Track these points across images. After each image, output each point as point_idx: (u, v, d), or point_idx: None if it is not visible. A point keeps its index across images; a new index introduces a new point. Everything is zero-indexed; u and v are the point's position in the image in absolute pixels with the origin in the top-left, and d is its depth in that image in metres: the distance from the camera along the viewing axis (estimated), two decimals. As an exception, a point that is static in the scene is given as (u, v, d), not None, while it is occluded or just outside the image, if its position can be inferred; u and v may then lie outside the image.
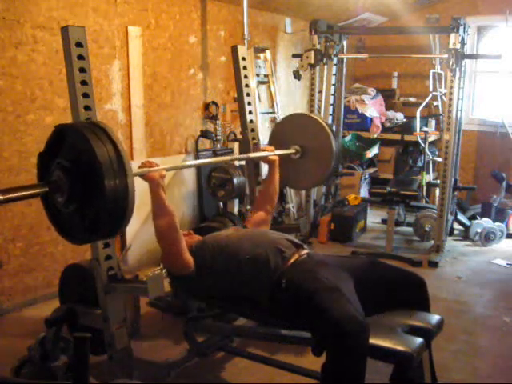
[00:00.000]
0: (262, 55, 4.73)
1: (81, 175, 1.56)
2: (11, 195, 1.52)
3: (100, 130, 1.58)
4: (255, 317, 2.18)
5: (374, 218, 5.14)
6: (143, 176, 1.95)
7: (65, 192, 1.57)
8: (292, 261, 2.04)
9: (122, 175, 1.55)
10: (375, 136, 5.51)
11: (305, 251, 2.14)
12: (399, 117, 5.71)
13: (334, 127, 2.82)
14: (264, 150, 2.61)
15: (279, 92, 4.97)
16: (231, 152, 4.18)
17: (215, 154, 4.07)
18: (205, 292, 2.14)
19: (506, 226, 4.61)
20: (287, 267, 2.01)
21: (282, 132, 2.94)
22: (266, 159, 2.59)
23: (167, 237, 2.00)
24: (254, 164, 3.04)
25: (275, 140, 2.91)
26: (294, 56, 4.46)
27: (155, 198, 1.98)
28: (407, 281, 2.11)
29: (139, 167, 1.98)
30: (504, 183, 4.75)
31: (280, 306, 1.94)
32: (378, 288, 2.04)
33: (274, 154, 2.58)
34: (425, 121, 5.33)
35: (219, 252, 2.09)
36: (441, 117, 5.21)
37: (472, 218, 4.75)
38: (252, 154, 2.67)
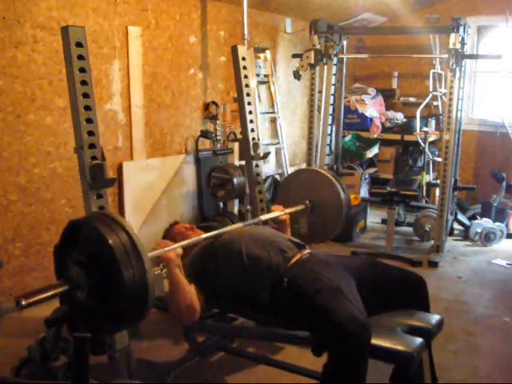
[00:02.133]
0: (262, 55, 4.73)
1: (98, 268, 1.54)
2: (33, 299, 1.50)
3: (112, 220, 1.58)
4: (255, 316, 2.18)
5: (374, 218, 5.14)
6: (159, 257, 1.95)
7: (85, 287, 1.56)
8: (294, 260, 2.04)
9: (139, 263, 1.53)
10: (375, 136, 5.51)
11: (307, 251, 2.14)
12: (399, 117, 5.71)
13: (342, 182, 2.83)
14: (274, 211, 2.57)
15: (279, 92, 4.97)
16: (231, 152, 4.19)
17: (215, 153, 4.08)
18: (205, 292, 2.14)
19: (506, 225, 4.61)
20: (289, 267, 2.01)
21: (290, 188, 2.94)
22: (276, 219, 2.57)
23: (182, 313, 2.02)
24: (254, 164, 3.04)
25: (283, 197, 2.92)
26: (294, 56, 4.46)
27: (172, 277, 1.98)
28: (407, 280, 2.11)
29: (153, 248, 1.95)
30: (504, 183, 4.75)
31: (281, 305, 1.94)
32: (377, 288, 2.04)
33: (284, 213, 2.56)
34: (425, 121, 5.33)
35: (221, 250, 2.11)
36: (441, 117, 5.21)
37: (472, 218, 4.75)
38: (263, 217, 2.55)
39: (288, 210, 2.60)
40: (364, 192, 5.36)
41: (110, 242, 1.51)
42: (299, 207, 2.73)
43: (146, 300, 1.56)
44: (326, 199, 2.77)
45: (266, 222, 2.52)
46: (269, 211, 2.79)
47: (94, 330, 1.67)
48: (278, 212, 2.55)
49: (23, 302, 1.47)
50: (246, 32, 4.04)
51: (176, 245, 2.00)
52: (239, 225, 2.33)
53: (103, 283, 1.53)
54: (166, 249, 1.94)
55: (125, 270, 1.49)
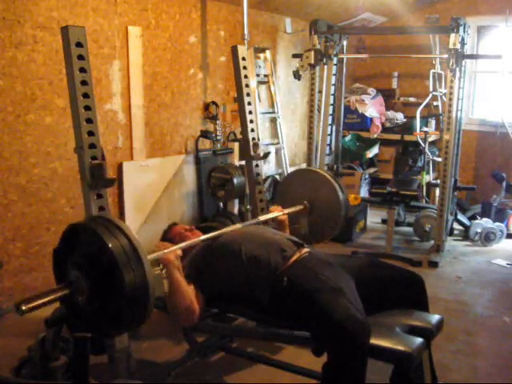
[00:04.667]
0: (262, 55, 4.73)
1: (98, 272, 1.54)
2: (34, 304, 1.49)
3: (111, 224, 1.58)
4: (255, 316, 2.18)
5: (373, 217, 5.14)
6: (159, 260, 1.95)
7: (85, 291, 1.56)
8: (293, 260, 2.04)
9: (139, 266, 1.53)
10: (375, 136, 5.51)
11: (306, 250, 2.14)
12: (399, 117, 5.71)
13: (340, 182, 2.84)
14: (273, 211, 2.57)
15: (279, 92, 4.97)
16: (231, 152, 4.19)
17: (215, 153, 4.08)
18: (205, 292, 2.14)
19: (506, 226, 4.61)
20: (288, 266, 2.01)
21: (289, 188, 2.94)
22: (275, 219, 2.57)
23: (181, 314, 2.01)
24: (254, 164, 3.04)
25: (282, 197, 2.92)
26: (294, 56, 4.46)
27: (171, 279, 1.98)
28: (405, 280, 2.10)
29: (153, 250, 1.95)
30: (504, 183, 4.75)
31: (280, 305, 1.94)
32: (376, 288, 2.04)
33: (283, 213, 2.56)
34: (425, 121, 5.33)
35: (221, 250, 2.10)
36: (441, 117, 5.20)
37: (472, 218, 4.75)
38: (262, 217, 2.55)
39: (287, 211, 2.60)
40: (364, 192, 5.36)
41: (110, 245, 1.50)
42: (298, 208, 2.73)
43: (147, 303, 1.55)
44: (325, 200, 2.77)
45: (265, 223, 2.52)
46: (268, 212, 2.79)
47: (95, 334, 1.66)
48: (276, 212, 2.56)
49: (23, 307, 1.45)
50: (245, 32, 4.04)
51: (175, 246, 2.00)
52: (238, 225, 2.32)
53: (103, 286, 1.53)
54: (165, 251, 1.94)
55: (125, 272, 1.49)
